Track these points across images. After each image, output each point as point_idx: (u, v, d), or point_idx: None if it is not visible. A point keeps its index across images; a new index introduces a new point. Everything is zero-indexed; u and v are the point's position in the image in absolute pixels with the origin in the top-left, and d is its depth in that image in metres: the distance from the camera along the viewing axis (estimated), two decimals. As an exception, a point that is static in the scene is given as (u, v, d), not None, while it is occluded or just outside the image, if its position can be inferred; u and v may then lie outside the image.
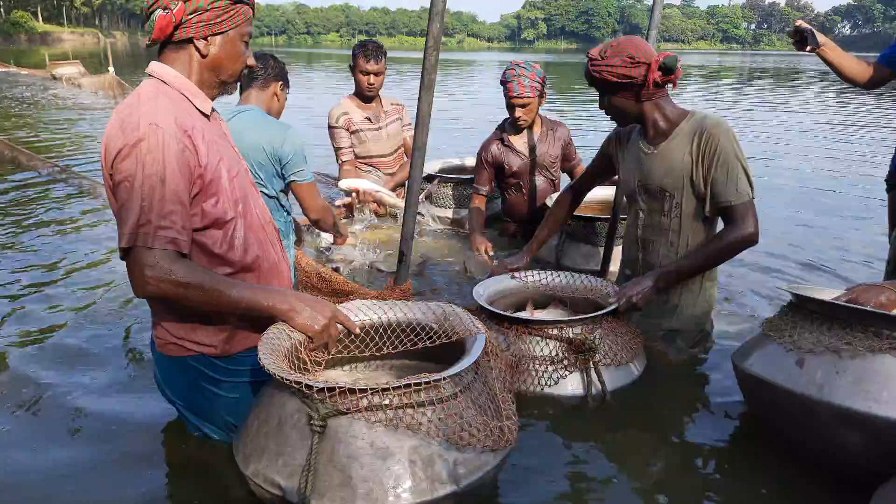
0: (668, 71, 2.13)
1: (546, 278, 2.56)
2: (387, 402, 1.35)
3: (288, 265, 1.88)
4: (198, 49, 1.60)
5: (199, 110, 1.64)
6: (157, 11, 1.54)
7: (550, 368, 2.11)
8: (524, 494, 1.78)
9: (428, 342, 1.72)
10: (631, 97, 2.22)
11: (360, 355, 1.83)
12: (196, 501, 1.76)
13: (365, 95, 3.89)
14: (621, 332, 2.24)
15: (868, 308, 1.71)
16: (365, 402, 1.34)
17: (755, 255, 3.91)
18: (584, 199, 2.94)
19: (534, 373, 2.11)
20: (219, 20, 1.59)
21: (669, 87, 2.23)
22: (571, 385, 2.12)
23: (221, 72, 1.66)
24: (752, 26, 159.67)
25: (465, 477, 1.39)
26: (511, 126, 3.54)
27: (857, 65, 2.92)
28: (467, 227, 3.66)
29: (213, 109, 1.72)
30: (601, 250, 3.10)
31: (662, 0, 2.90)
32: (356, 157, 4.01)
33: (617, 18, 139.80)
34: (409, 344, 1.76)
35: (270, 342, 1.51)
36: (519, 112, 3.40)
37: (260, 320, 1.71)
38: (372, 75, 3.78)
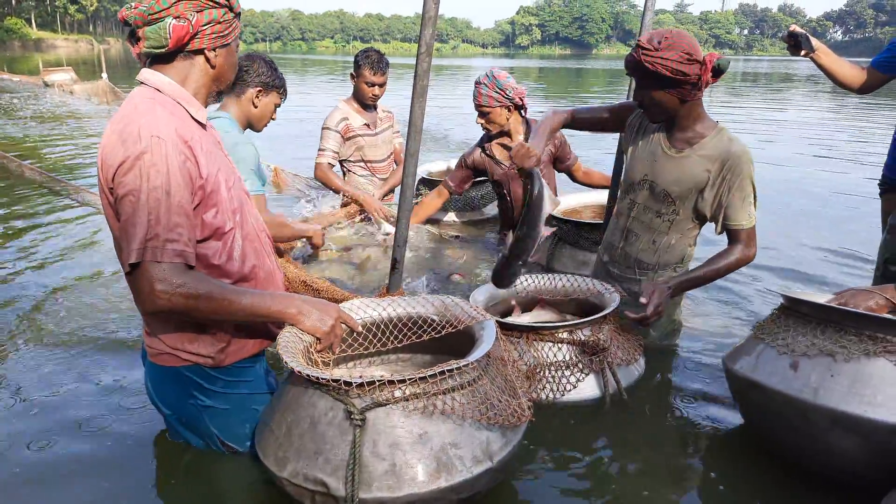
0: (719, 73, 2.08)
1: (533, 283, 2.57)
2: (420, 390, 1.42)
3: (282, 274, 1.89)
4: (208, 60, 1.62)
5: (194, 119, 1.63)
6: (168, 20, 1.52)
7: (567, 373, 2.10)
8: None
9: (434, 333, 1.78)
10: (675, 94, 2.11)
11: (363, 352, 1.88)
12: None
13: (366, 104, 3.92)
14: (623, 331, 2.26)
15: (859, 311, 1.71)
16: (400, 393, 1.40)
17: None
18: (579, 203, 2.92)
19: (551, 379, 2.09)
20: (226, 32, 1.63)
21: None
22: (588, 388, 2.11)
23: (222, 82, 1.70)
24: (745, 32, 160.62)
25: (497, 453, 1.48)
26: (493, 136, 3.54)
27: (851, 69, 2.93)
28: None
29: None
30: (593, 256, 3.09)
31: (653, 6, 2.91)
32: (352, 163, 4.04)
33: (611, 24, 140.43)
34: (414, 337, 1.81)
35: (287, 345, 1.55)
36: (479, 120, 3.45)
37: (256, 331, 1.74)
38: (377, 86, 3.84)
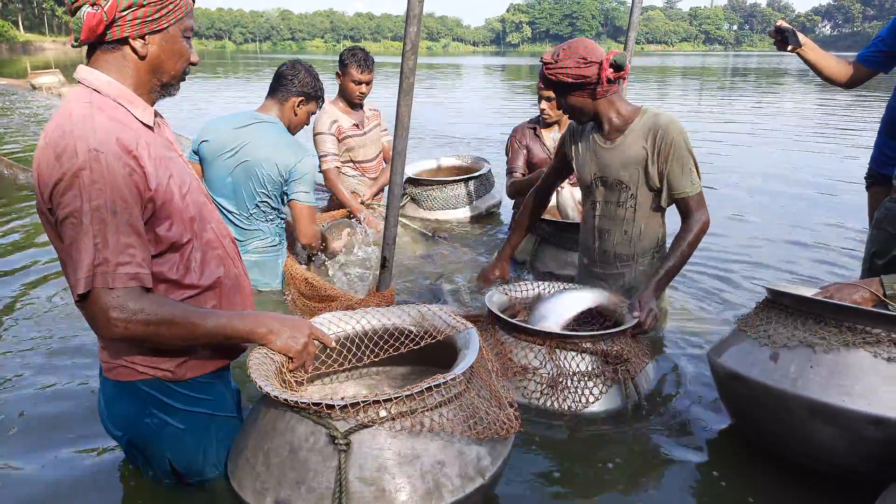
0: (618, 68, 2.24)
1: (535, 289, 2.56)
2: (407, 408, 1.34)
3: (248, 279, 1.77)
4: (134, 50, 1.42)
5: (139, 121, 1.46)
6: (84, 8, 1.35)
7: (590, 384, 2.05)
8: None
9: (412, 345, 1.70)
10: (586, 95, 2.32)
11: (338, 369, 1.77)
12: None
13: (353, 102, 3.92)
14: (636, 341, 2.23)
15: (842, 302, 1.73)
16: (385, 413, 1.33)
17: (730, 254, 3.97)
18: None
19: (575, 391, 2.04)
20: (156, 16, 1.41)
21: (621, 83, 2.35)
22: (610, 399, 2.09)
23: (163, 73, 1.48)
24: (734, 27, 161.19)
25: (488, 469, 1.42)
26: (543, 121, 3.65)
27: (837, 64, 2.96)
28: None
29: (157, 115, 1.56)
30: (575, 256, 3.12)
31: (641, 2, 2.93)
32: (341, 163, 4.03)
33: (601, 21, 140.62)
34: (391, 350, 1.73)
35: (259, 367, 1.46)
36: (543, 104, 3.53)
37: (219, 344, 1.60)
38: (364, 85, 3.83)
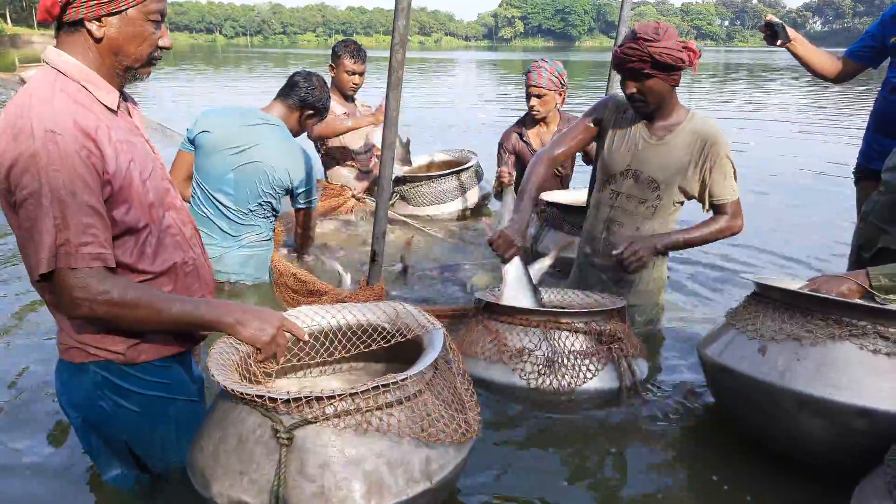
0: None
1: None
2: (353, 406, 1.33)
3: (210, 269, 1.76)
4: (90, 32, 1.40)
5: (103, 104, 1.45)
6: None
7: (586, 362, 2.07)
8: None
9: (383, 343, 1.69)
10: (669, 81, 2.23)
11: (310, 362, 1.76)
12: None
13: (346, 94, 3.93)
14: (629, 331, 2.24)
15: (828, 296, 1.74)
16: (331, 409, 1.31)
17: (723, 248, 3.98)
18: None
19: (571, 368, 2.06)
20: None
21: None
22: (607, 378, 2.09)
23: (124, 56, 1.45)
24: (726, 23, 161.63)
25: (437, 473, 1.39)
26: (530, 120, 3.65)
27: (826, 59, 2.97)
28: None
29: (123, 99, 1.55)
30: (577, 239, 3.12)
31: (631, -2, 2.93)
32: (331, 147, 4.07)
33: (593, 16, 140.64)
34: (362, 346, 1.71)
35: (219, 357, 1.45)
36: (534, 101, 3.53)
37: (183, 331, 1.60)
38: (357, 75, 3.86)
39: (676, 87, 2.30)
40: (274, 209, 2.87)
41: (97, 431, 1.64)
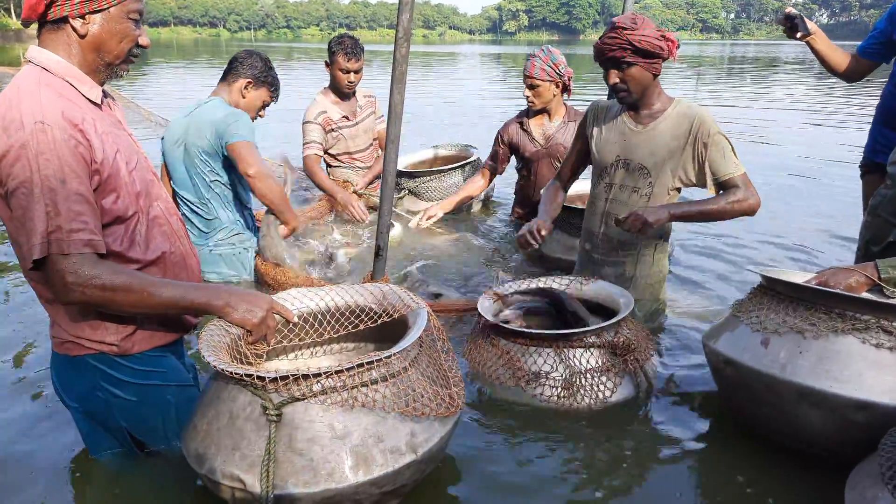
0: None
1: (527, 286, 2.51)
2: (340, 383, 1.39)
3: (197, 259, 1.80)
4: (74, 29, 1.45)
5: (87, 98, 1.51)
6: None
7: (604, 378, 2.05)
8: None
9: (370, 323, 1.75)
10: (650, 70, 2.27)
11: (300, 343, 1.83)
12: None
13: (343, 92, 3.88)
14: (638, 328, 2.23)
15: (832, 289, 1.75)
16: (318, 387, 1.38)
17: (729, 240, 3.98)
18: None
19: (590, 388, 2.03)
20: None
21: None
22: (625, 391, 2.08)
23: (105, 53, 1.51)
24: (732, 16, 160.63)
25: (422, 445, 1.46)
26: (532, 111, 3.62)
27: (842, 56, 2.93)
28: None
29: (105, 95, 1.61)
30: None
31: (636, -10, 2.92)
32: (332, 156, 4.04)
33: (598, 10, 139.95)
34: (350, 326, 1.78)
35: (210, 339, 1.50)
36: (527, 92, 3.50)
37: (166, 319, 1.65)
38: (352, 73, 3.79)
39: (658, 77, 2.32)
40: (225, 186, 2.85)
41: (97, 420, 1.69)
